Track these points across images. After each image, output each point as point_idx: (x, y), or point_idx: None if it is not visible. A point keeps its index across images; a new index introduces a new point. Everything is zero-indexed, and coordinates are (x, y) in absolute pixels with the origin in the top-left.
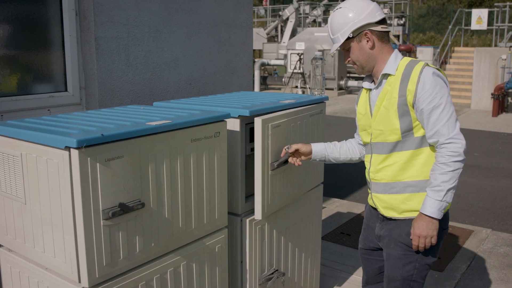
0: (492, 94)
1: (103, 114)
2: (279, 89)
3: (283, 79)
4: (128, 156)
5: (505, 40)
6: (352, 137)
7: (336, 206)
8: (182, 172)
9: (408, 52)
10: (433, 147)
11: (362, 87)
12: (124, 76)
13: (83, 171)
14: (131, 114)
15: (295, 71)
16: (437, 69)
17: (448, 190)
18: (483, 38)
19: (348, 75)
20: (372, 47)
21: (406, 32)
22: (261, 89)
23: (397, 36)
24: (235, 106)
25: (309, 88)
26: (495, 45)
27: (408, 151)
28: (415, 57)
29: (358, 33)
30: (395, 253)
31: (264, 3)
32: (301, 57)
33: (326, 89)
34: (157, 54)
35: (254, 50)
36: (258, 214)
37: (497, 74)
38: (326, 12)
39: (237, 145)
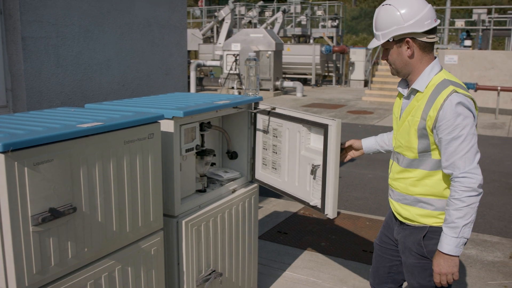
0: None
1: (32, 116)
2: (216, 90)
3: (219, 80)
4: (59, 160)
5: None
6: None
7: (273, 205)
8: (115, 175)
9: (342, 53)
10: None
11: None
12: (54, 77)
13: (10, 176)
14: (61, 117)
15: (231, 72)
16: (467, 95)
17: (464, 225)
18: None
19: (283, 76)
20: (411, 56)
21: (340, 33)
22: (197, 90)
23: (331, 38)
24: (169, 108)
25: (245, 89)
26: None
27: (423, 170)
28: (349, 58)
29: (399, 38)
30: (410, 261)
31: (199, 3)
32: (237, 58)
33: (263, 89)
34: (89, 54)
35: (190, 51)
36: (335, 213)
37: None
38: (261, 13)
39: (172, 147)
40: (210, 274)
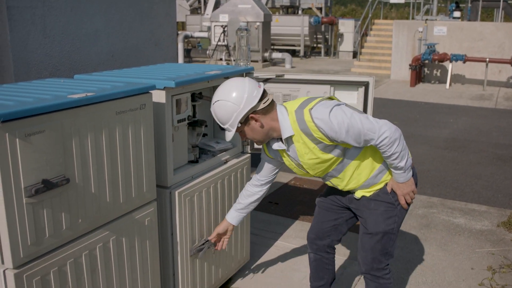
0: (410, 65)
1: (20, 87)
2: (204, 61)
3: (207, 52)
4: (50, 131)
5: (421, 14)
6: None
7: None
8: (108, 146)
9: (331, 24)
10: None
11: (272, 148)
12: (41, 48)
13: (1, 147)
14: (50, 87)
15: (219, 43)
16: (315, 102)
17: (405, 162)
18: (401, 11)
19: (272, 47)
20: (262, 125)
21: (328, 4)
22: (185, 62)
23: (320, 9)
24: (160, 78)
25: (234, 60)
26: (412, 18)
27: (353, 161)
28: (337, 29)
29: (245, 119)
30: (378, 210)
31: None
32: (225, 29)
33: (252, 61)
34: (76, 25)
35: (177, 22)
36: None
37: (414, 46)
38: None
39: (164, 117)
40: (203, 244)
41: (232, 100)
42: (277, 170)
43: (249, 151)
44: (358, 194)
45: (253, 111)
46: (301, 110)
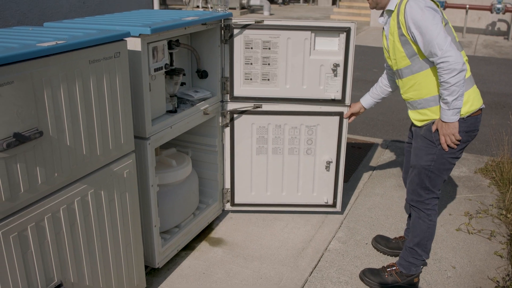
0: None
1: None
2: (180, 9)
3: None
4: (19, 82)
5: None
6: None
7: None
8: (82, 96)
9: None
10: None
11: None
12: None
13: None
14: (18, 36)
15: None
16: None
17: (453, 100)
18: None
19: None
20: None
21: None
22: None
23: None
24: (135, 25)
25: (211, 7)
26: None
27: (420, 72)
28: None
29: None
30: (419, 145)
31: None
32: None
33: (229, 8)
34: None
35: None
36: (349, 101)
37: None
38: None
39: (140, 66)
40: None
41: None
42: None
43: (229, 100)
44: (410, 114)
45: None
46: None
